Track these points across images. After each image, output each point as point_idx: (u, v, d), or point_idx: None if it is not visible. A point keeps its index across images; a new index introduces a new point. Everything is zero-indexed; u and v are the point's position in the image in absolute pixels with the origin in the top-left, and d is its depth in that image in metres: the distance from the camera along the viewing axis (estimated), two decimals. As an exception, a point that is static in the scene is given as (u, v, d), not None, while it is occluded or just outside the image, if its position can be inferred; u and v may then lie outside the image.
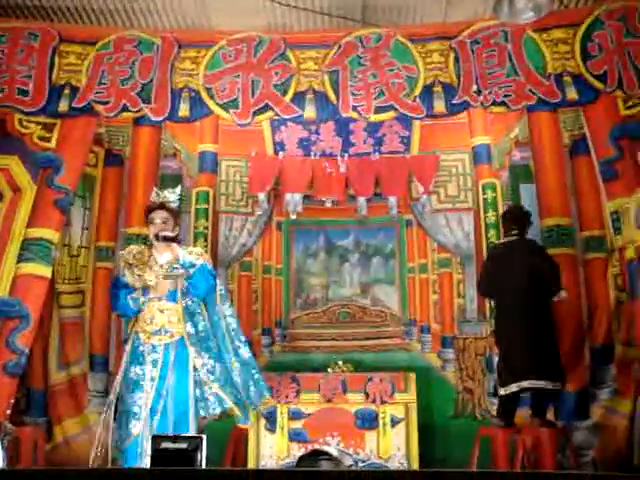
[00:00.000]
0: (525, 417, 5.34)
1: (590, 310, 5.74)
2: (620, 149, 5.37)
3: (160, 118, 5.81)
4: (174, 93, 5.78)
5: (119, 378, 4.20)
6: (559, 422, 5.35)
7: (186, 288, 4.29)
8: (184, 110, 5.80)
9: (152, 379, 4.08)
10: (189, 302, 4.31)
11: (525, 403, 5.33)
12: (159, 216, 4.35)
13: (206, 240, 6.48)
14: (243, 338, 4.50)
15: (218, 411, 4.24)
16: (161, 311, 4.25)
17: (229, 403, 4.23)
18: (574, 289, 5.60)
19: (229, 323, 4.44)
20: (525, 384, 5.02)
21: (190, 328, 4.27)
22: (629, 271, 5.27)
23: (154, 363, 4.13)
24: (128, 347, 4.26)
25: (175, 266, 4.27)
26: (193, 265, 4.23)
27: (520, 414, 5.31)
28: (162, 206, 4.38)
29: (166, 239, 4.27)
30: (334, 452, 5.20)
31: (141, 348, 4.20)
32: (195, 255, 4.33)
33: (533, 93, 5.61)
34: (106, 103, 5.73)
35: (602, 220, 5.77)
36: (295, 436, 5.71)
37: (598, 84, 5.53)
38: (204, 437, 3.27)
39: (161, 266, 4.28)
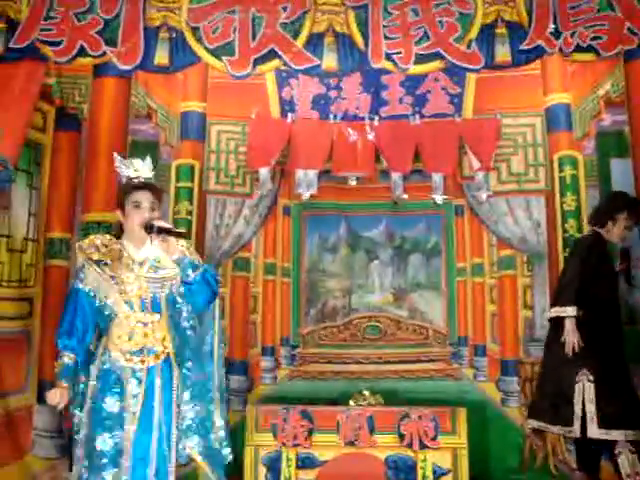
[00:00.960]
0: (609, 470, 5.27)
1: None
2: None
3: (129, 66, 5.82)
4: (148, 33, 5.81)
5: (86, 413, 4.08)
6: None
7: (178, 295, 4.19)
8: (162, 56, 5.81)
9: (134, 413, 4.01)
10: (172, 313, 4.24)
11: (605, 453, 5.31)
12: (146, 198, 4.16)
13: (190, 229, 6.49)
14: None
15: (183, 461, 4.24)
16: (144, 324, 4.13)
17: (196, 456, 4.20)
18: None
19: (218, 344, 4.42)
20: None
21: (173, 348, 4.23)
22: None
23: (135, 392, 4.05)
24: (95, 370, 4.13)
25: (159, 266, 4.19)
26: (196, 267, 4.09)
27: (605, 465, 5.30)
28: (145, 185, 4.22)
29: (169, 233, 4.05)
30: None
31: (116, 373, 4.10)
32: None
33: (634, 33, 5.54)
34: (56, 44, 5.70)
35: None
36: None
37: None
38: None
39: (140, 264, 4.17)
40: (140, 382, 4.07)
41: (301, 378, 6.78)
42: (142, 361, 4.10)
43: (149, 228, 4.02)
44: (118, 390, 4.06)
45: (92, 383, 4.11)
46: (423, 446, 5.66)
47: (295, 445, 5.71)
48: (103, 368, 4.12)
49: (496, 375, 6.59)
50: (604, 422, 4.93)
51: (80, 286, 4.12)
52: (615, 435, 4.91)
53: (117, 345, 4.11)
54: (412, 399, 6.28)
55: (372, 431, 5.74)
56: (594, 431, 4.95)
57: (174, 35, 5.78)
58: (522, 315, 6.59)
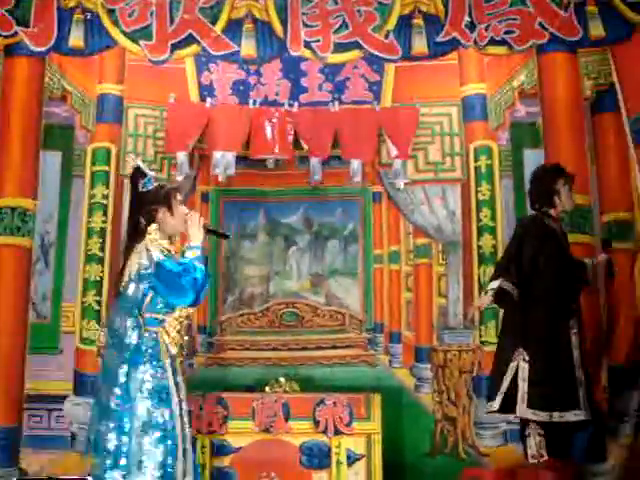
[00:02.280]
0: (517, 454, 5.37)
1: (611, 318, 5.72)
2: None
3: (43, 48, 5.70)
4: (62, 14, 5.69)
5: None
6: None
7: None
8: (76, 38, 5.69)
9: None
10: None
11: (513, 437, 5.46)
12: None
13: (105, 214, 6.40)
14: None
15: None
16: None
17: None
18: (591, 290, 5.49)
19: None
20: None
21: None
22: None
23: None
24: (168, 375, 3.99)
25: None
26: None
27: (512, 450, 5.45)
28: None
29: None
30: None
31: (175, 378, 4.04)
32: None
33: (545, 28, 5.61)
34: (-37, 23, 5.53)
35: (630, 199, 5.77)
36: (220, 478, 5.62)
37: (633, 15, 5.52)
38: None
39: None
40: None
41: (218, 365, 6.74)
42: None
43: (208, 230, 4.18)
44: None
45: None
46: (338, 432, 5.64)
47: (210, 432, 5.63)
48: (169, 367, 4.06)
49: (410, 362, 6.62)
50: (534, 402, 4.92)
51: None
52: (543, 416, 4.91)
53: (175, 339, 4.07)
54: (328, 385, 6.29)
55: (287, 418, 5.70)
56: (523, 410, 4.94)
57: (89, 17, 5.64)
58: (436, 303, 6.64)
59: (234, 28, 5.70)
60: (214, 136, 6.68)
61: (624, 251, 5.78)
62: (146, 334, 3.93)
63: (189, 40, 5.66)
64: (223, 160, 6.61)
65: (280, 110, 6.71)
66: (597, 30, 5.55)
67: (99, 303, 6.28)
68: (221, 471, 5.58)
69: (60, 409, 6.11)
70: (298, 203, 7.02)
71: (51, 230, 6.35)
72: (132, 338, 3.92)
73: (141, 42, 5.64)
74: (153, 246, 3.96)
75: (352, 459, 5.63)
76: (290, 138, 6.69)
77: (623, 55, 5.59)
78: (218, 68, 6.67)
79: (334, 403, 5.70)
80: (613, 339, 5.66)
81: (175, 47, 5.66)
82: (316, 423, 5.67)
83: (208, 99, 6.73)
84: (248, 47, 5.71)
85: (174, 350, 4.01)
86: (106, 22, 5.62)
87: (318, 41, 5.66)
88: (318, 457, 5.65)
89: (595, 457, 5.34)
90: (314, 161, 6.68)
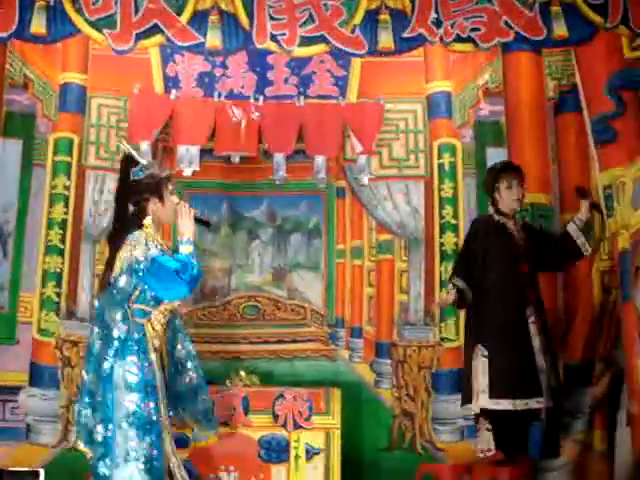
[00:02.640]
0: (473, 450, 5.41)
1: (567, 316, 5.79)
2: (621, 102, 5.39)
3: (3, 33, 5.57)
4: (23, 1, 5.52)
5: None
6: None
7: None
8: (38, 25, 5.56)
9: None
10: None
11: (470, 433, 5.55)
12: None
13: (67, 205, 6.33)
14: None
15: None
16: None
17: None
18: (549, 289, 5.64)
19: None
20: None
21: None
22: (620, 265, 5.27)
23: None
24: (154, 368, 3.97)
25: None
26: None
27: (468, 446, 5.54)
28: None
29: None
30: None
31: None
32: None
33: (510, 27, 5.59)
34: None
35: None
36: None
37: (596, 17, 5.52)
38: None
39: None
40: None
41: (177, 358, 6.69)
42: None
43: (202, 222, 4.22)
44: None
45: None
46: (297, 426, 5.67)
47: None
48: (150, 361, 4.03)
49: (371, 357, 6.60)
50: (496, 392, 5.00)
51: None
52: (505, 404, 4.97)
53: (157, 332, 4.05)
54: (288, 379, 6.28)
55: (247, 411, 5.70)
56: (484, 402, 5.03)
57: (52, 3, 5.50)
58: (397, 299, 6.61)
59: (200, 19, 5.62)
60: (178, 129, 6.59)
61: (583, 251, 5.84)
62: (133, 326, 3.90)
63: (154, 30, 5.57)
64: (187, 154, 6.54)
65: (245, 105, 6.63)
66: (561, 30, 5.55)
67: (58, 295, 6.22)
68: None
69: (15, 400, 6.03)
70: (262, 197, 6.93)
71: (10, 219, 6.25)
72: (121, 330, 3.90)
73: (105, 31, 5.53)
74: (149, 240, 3.92)
75: (311, 453, 5.64)
76: (255, 133, 6.62)
77: (586, 56, 5.62)
78: (183, 59, 6.59)
79: (294, 397, 5.72)
80: (569, 337, 5.72)
81: (139, 37, 5.57)
82: (275, 417, 5.69)
83: (173, 90, 6.62)
84: (214, 38, 5.64)
85: (157, 343, 3.98)
86: (69, 9, 5.49)
87: (284, 34, 5.61)
88: (277, 451, 5.65)
89: (548, 453, 5.39)
90: (278, 158, 6.63)
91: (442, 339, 6.26)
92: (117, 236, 4.04)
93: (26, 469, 5.41)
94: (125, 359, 3.86)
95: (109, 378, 3.83)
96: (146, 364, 3.88)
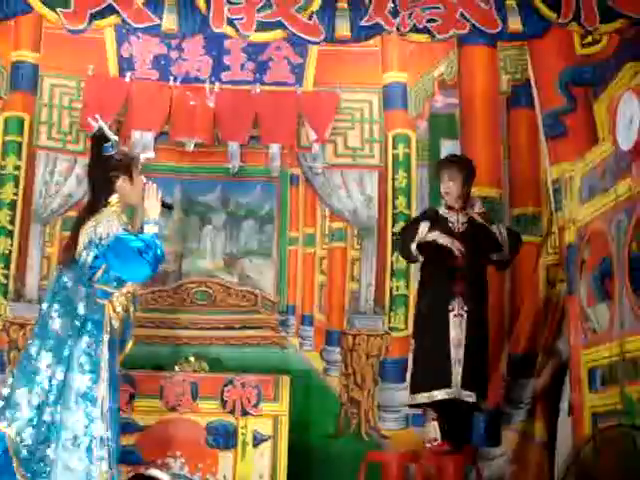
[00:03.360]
0: (417, 438, 5.53)
1: (513, 308, 5.88)
2: (572, 98, 5.51)
3: None
4: None
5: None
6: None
7: None
8: None
9: None
10: None
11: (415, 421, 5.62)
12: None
13: (17, 186, 6.25)
14: None
15: None
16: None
17: None
18: (497, 281, 5.67)
19: None
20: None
21: None
22: (567, 258, 5.32)
23: None
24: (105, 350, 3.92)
25: None
26: None
27: (412, 434, 5.64)
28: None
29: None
30: (165, 478, 4.94)
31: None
32: None
33: (466, 19, 5.65)
34: None
35: (539, 195, 5.93)
36: (123, 456, 5.14)
37: (549, 13, 5.61)
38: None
39: None
40: None
41: (127, 342, 6.64)
42: None
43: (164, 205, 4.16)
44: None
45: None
46: (245, 413, 5.65)
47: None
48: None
49: (321, 345, 6.61)
50: (411, 387, 5.13)
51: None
52: (418, 399, 5.07)
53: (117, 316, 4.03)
54: (238, 366, 6.23)
55: (195, 397, 5.68)
56: (407, 398, 5.20)
57: (4, -20, 5.42)
58: (349, 288, 6.63)
59: (156, 1, 5.60)
60: (133, 114, 6.53)
61: (530, 244, 5.87)
62: (94, 306, 3.86)
63: (109, 10, 5.54)
64: (142, 140, 6.48)
65: (201, 88, 6.59)
66: (515, 24, 5.62)
67: (6, 277, 6.12)
68: (125, 449, 5.28)
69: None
70: (215, 182, 6.87)
71: (-43, 200, 6.15)
72: (80, 308, 3.85)
73: (58, 10, 5.49)
74: (114, 218, 3.88)
75: (258, 440, 5.64)
76: (210, 119, 6.59)
77: (538, 51, 5.69)
78: (139, 41, 6.51)
79: (242, 384, 5.71)
80: (514, 329, 5.79)
81: (94, 17, 5.53)
82: (224, 403, 5.67)
83: (128, 73, 6.55)
84: (170, 21, 5.63)
85: (116, 325, 3.94)
86: (22, -14, 5.41)
87: (241, 19, 5.61)
88: (224, 437, 5.64)
89: (490, 442, 5.53)
90: (232, 147, 6.61)
91: (391, 328, 6.29)
92: (85, 214, 4.01)
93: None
94: (81, 338, 3.82)
95: (65, 358, 3.79)
96: (95, 345, 3.84)
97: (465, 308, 5.07)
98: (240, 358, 6.49)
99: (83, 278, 3.88)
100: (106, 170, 4.02)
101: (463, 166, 5.26)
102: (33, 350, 3.88)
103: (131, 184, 4.05)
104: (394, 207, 6.45)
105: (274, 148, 6.63)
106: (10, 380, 3.92)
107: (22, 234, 6.23)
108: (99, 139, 4.09)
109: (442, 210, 5.29)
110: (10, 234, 6.17)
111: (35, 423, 3.77)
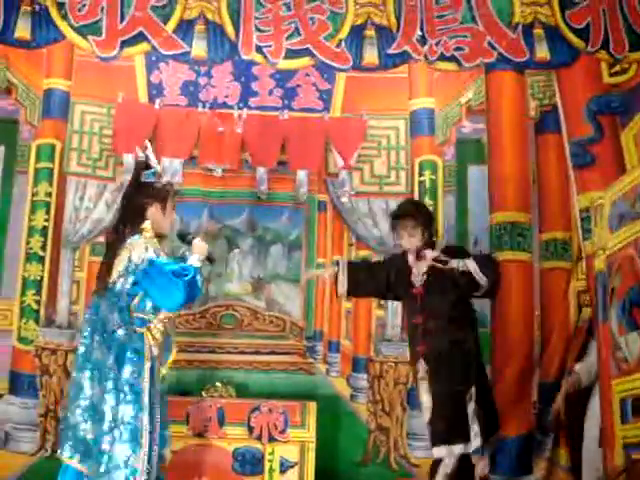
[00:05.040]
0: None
1: (544, 334, 5.78)
2: (599, 127, 5.45)
3: None
4: (8, 4, 5.61)
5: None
6: (496, 477, 5.39)
7: None
8: (23, 30, 5.58)
9: None
10: None
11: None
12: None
13: (48, 212, 6.24)
14: None
15: None
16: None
17: None
18: (527, 307, 5.65)
19: None
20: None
21: None
22: (596, 286, 5.16)
23: None
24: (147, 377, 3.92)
25: None
26: None
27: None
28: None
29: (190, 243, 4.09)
30: None
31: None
32: None
33: (493, 48, 5.65)
34: None
35: (568, 220, 5.83)
36: None
37: (578, 41, 5.60)
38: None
39: None
40: None
41: (152, 367, 6.62)
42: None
43: (184, 238, 4.06)
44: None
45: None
46: (272, 439, 5.59)
47: (143, 435, 5.58)
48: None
49: (348, 371, 6.56)
50: (432, 440, 4.79)
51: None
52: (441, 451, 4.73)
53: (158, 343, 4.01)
54: (264, 392, 6.18)
55: (222, 423, 5.62)
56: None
57: (37, 9, 5.51)
58: (375, 314, 6.57)
59: (186, 28, 5.64)
60: (162, 141, 6.52)
61: (561, 270, 5.84)
62: (133, 334, 3.83)
63: (139, 38, 5.58)
64: (171, 167, 6.48)
65: (229, 114, 6.61)
66: (542, 53, 5.61)
67: (38, 303, 6.10)
68: None
69: (-6, 409, 5.95)
70: (242, 206, 6.88)
71: (-9, 227, 6.19)
72: (119, 336, 3.82)
73: (90, 37, 5.54)
74: (147, 243, 3.87)
75: (285, 466, 5.58)
76: (238, 145, 6.60)
77: (566, 79, 5.65)
78: (168, 68, 6.55)
79: (269, 410, 5.64)
80: (545, 355, 5.71)
81: (125, 44, 5.57)
82: (250, 429, 5.61)
83: (157, 99, 6.59)
84: (199, 48, 5.65)
85: (156, 351, 3.91)
86: (55, 15, 5.50)
87: (270, 46, 5.62)
88: (251, 463, 5.58)
89: (521, 470, 5.45)
90: (260, 172, 6.61)
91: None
92: (117, 239, 3.98)
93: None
94: (123, 369, 3.79)
95: (113, 389, 3.76)
96: (137, 373, 3.81)
97: (427, 369, 4.76)
98: (267, 384, 6.45)
99: (120, 305, 3.85)
100: (142, 196, 4.01)
101: (419, 215, 4.92)
102: (81, 379, 3.86)
103: (163, 214, 4.04)
104: (420, 235, 6.40)
105: (301, 174, 6.62)
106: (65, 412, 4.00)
107: (53, 260, 6.21)
108: (141, 165, 4.11)
109: (406, 256, 4.95)
110: (41, 260, 6.16)
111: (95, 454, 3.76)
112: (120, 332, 3.82)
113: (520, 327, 5.54)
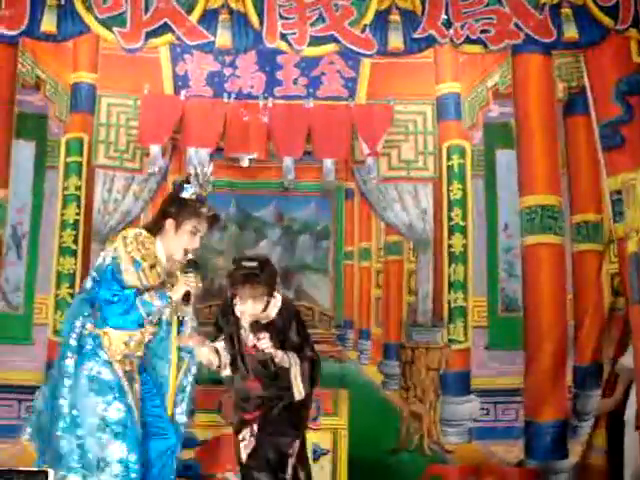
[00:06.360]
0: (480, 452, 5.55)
1: (577, 318, 5.72)
2: (629, 108, 5.32)
3: (14, 32, 5.45)
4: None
5: None
6: (531, 461, 5.38)
7: None
8: (49, 23, 5.44)
9: None
10: None
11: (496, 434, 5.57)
12: (203, 231, 3.92)
13: (79, 206, 6.28)
14: None
15: None
16: None
17: None
18: (559, 290, 5.57)
19: None
20: None
21: None
22: (630, 268, 5.18)
23: None
24: None
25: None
26: None
27: (476, 448, 5.54)
28: (213, 218, 3.99)
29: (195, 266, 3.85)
30: None
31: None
32: None
33: (520, 29, 5.51)
34: None
35: (599, 202, 5.77)
36: (183, 471, 5.28)
37: (606, 20, 5.44)
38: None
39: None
40: None
41: (184, 356, 6.63)
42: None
43: (190, 263, 3.83)
44: None
45: None
46: (304, 427, 5.62)
47: (175, 424, 5.56)
48: None
49: (379, 358, 6.56)
50: None
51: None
52: None
53: None
54: (296, 380, 6.21)
55: (254, 411, 5.66)
56: None
57: (62, 2, 5.39)
58: (405, 300, 6.57)
59: (210, 18, 5.53)
60: (189, 130, 6.55)
61: (593, 253, 5.80)
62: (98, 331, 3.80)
63: (164, 29, 5.47)
64: (197, 156, 6.47)
65: (255, 104, 6.57)
66: (571, 33, 5.47)
67: (72, 295, 6.06)
68: (184, 463, 5.28)
69: (31, 400, 5.96)
70: (270, 197, 6.92)
71: (24, 221, 6.19)
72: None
73: (115, 29, 5.43)
74: (129, 249, 3.74)
75: (318, 454, 5.51)
76: (264, 135, 6.57)
77: (595, 59, 5.54)
78: (193, 59, 6.54)
79: (302, 398, 5.65)
80: (579, 340, 5.66)
81: (149, 35, 5.47)
82: (282, 417, 5.62)
83: (182, 90, 6.58)
84: (223, 38, 5.54)
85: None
86: (79, 8, 5.39)
87: (294, 34, 5.51)
88: (283, 451, 5.58)
89: (557, 454, 5.40)
90: (287, 162, 6.58)
91: (450, 340, 6.19)
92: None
93: (35, 469, 5.36)
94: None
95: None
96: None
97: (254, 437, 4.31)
98: (298, 372, 6.47)
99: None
100: (166, 204, 3.92)
101: (263, 274, 4.16)
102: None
103: (175, 232, 3.83)
104: (450, 219, 6.39)
105: (328, 163, 6.59)
106: None
107: (84, 252, 6.24)
108: (187, 180, 3.98)
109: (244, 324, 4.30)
110: (74, 254, 6.20)
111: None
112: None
113: (553, 311, 5.48)
